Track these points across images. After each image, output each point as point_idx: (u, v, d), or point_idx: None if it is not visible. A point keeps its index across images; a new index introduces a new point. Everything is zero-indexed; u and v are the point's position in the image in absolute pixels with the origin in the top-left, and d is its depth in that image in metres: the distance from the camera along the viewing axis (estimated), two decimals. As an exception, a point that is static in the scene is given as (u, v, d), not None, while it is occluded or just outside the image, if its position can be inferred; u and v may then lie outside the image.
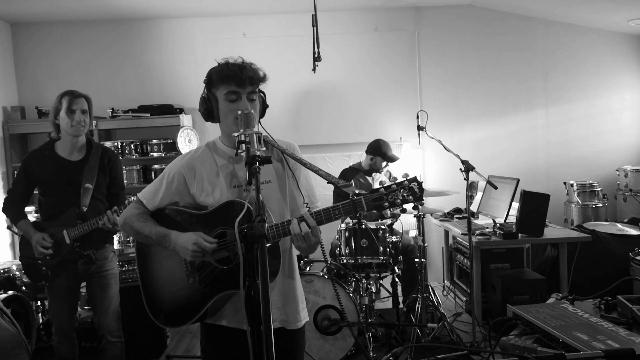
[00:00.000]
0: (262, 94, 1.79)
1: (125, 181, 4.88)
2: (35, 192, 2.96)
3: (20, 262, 3.08)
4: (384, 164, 4.39)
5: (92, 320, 3.63)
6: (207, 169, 1.78)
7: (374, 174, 4.49)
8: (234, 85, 1.68)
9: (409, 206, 3.44)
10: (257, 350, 1.37)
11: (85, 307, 4.20)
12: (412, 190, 1.58)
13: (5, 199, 3.01)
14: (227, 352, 1.78)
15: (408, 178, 1.60)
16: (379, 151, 4.35)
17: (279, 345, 1.24)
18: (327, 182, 1.70)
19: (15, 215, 2.95)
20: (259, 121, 1.77)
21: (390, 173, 4.59)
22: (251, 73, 1.70)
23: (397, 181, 1.60)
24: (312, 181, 1.89)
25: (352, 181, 4.45)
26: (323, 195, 4.42)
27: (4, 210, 3.01)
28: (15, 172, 4.87)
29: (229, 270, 1.68)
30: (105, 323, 2.92)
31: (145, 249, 1.83)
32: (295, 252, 1.89)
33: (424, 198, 3.57)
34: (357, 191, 1.60)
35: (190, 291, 1.74)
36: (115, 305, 2.96)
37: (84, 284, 3.02)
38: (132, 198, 4.02)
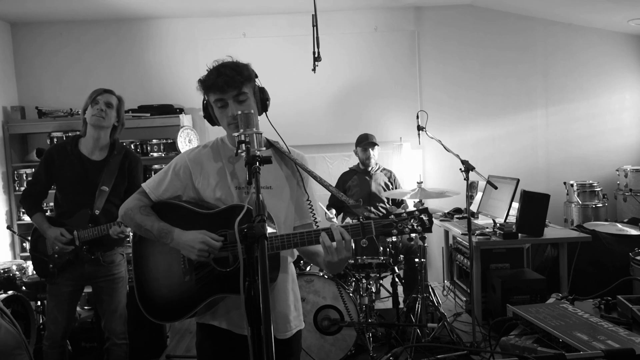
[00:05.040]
0: (258, 87, 1.75)
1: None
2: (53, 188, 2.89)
3: (21, 261, 3.07)
4: (368, 152, 4.42)
5: (92, 320, 3.64)
6: (213, 165, 1.77)
7: (372, 174, 4.48)
8: (218, 93, 1.68)
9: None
10: (255, 352, 1.36)
11: (85, 307, 4.21)
12: (422, 221, 1.63)
13: (24, 190, 2.96)
14: (221, 351, 1.77)
15: (419, 208, 1.65)
16: (357, 143, 4.52)
17: None
18: (337, 199, 1.71)
19: (31, 207, 2.87)
20: (261, 120, 1.75)
21: (391, 173, 4.57)
22: (228, 77, 1.65)
23: (407, 210, 1.64)
24: (316, 195, 1.87)
25: (351, 181, 4.46)
26: (324, 195, 4.42)
27: (22, 200, 2.94)
28: (15, 172, 4.94)
29: (226, 273, 1.66)
30: (112, 326, 2.89)
31: (143, 241, 1.81)
32: (292, 259, 1.86)
33: (424, 199, 3.61)
34: (365, 213, 1.61)
35: (185, 289, 1.72)
36: (122, 308, 2.93)
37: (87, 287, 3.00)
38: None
